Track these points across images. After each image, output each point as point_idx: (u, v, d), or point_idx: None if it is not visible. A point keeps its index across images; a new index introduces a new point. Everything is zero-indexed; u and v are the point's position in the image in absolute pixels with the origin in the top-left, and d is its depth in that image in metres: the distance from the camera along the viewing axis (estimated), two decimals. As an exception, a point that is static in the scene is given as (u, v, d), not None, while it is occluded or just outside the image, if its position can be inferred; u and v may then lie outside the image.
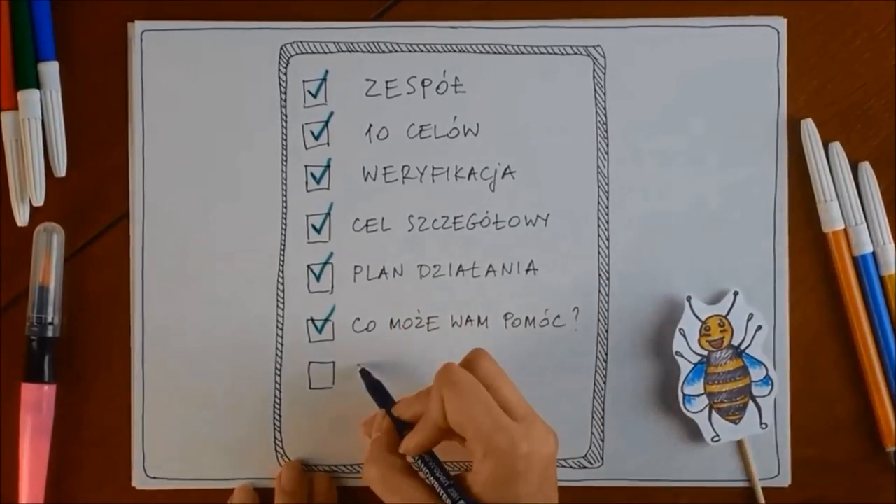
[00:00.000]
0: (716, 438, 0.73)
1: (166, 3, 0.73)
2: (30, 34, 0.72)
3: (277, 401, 0.73)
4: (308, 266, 0.74)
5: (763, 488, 0.74)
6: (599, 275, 0.74)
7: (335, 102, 0.74)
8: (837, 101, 0.75)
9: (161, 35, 0.73)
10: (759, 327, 0.73)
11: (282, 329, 0.73)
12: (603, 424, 0.74)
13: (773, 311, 0.74)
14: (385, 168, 0.74)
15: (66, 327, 0.73)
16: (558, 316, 0.74)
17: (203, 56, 0.73)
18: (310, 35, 0.74)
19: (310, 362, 0.73)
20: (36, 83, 0.72)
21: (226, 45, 0.73)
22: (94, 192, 0.73)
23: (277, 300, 0.73)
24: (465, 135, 0.74)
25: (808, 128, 0.74)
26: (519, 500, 0.61)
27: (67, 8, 0.73)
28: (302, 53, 0.73)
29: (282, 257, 0.73)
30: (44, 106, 0.72)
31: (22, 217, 0.72)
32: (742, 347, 0.73)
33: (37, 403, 0.72)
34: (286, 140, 0.74)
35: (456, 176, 0.74)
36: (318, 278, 0.74)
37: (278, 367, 0.73)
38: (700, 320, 0.73)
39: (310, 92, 0.74)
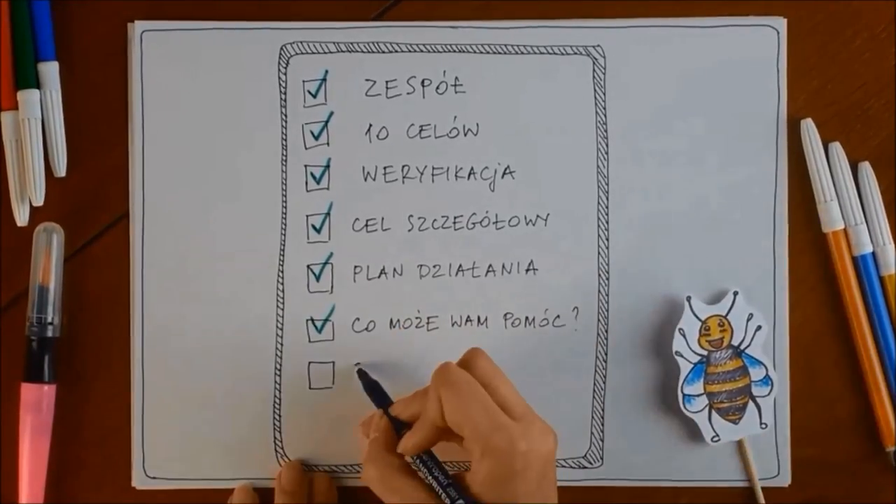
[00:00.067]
0: (716, 438, 0.73)
1: (166, 3, 0.73)
2: (30, 34, 0.72)
3: (277, 401, 0.73)
4: (308, 266, 0.74)
5: (763, 488, 0.74)
6: (599, 275, 0.74)
7: (335, 102, 0.74)
8: (837, 101, 0.74)
9: (161, 35, 0.73)
10: (759, 327, 0.73)
11: (282, 329, 0.73)
12: (603, 424, 0.74)
13: (772, 311, 0.74)
14: (385, 168, 0.74)
15: (66, 327, 0.73)
16: (558, 316, 0.74)
17: (203, 56, 0.73)
18: (310, 35, 0.74)
19: (309, 362, 0.73)
20: (36, 83, 0.72)
21: (226, 45, 0.73)
22: (94, 192, 0.73)
23: (277, 300, 0.73)
24: (465, 135, 0.74)
25: (808, 128, 0.74)
26: (517, 499, 0.61)
27: (67, 8, 0.73)
28: (302, 53, 0.73)
29: (281, 257, 0.73)
30: (44, 106, 0.72)
31: (22, 217, 0.72)
32: (742, 347, 0.73)
33: (37, 403, 0.72)
34: (286, 140, 0.74)
35: (456, 176, 0.74)
36: (317, 278, 0.74)
37: (278, 367, 0.73)
38: (700, 320, 0.73)
39: (310, 92, 0.74)
